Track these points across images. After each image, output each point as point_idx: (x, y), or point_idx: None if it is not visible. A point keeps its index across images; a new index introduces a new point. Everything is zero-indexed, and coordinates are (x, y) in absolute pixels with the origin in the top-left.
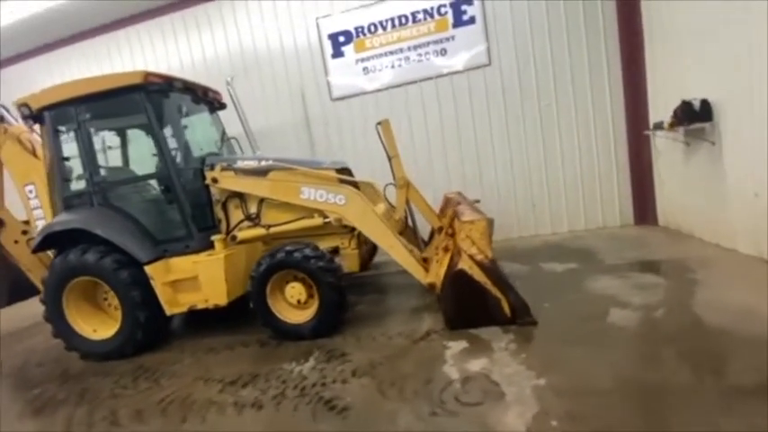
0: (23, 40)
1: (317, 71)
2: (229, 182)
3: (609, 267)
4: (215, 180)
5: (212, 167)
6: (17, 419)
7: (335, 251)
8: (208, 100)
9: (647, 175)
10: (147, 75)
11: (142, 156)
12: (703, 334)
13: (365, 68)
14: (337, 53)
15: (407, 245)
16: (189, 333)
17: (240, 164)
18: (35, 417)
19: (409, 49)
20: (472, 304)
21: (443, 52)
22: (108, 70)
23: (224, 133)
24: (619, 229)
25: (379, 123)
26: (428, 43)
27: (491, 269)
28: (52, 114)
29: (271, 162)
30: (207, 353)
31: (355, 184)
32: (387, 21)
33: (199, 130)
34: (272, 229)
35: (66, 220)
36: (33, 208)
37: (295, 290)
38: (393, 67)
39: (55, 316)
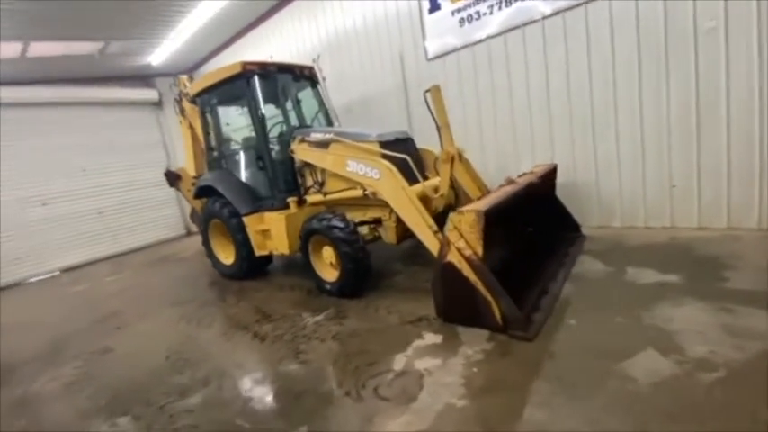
0: (215, 36)
1: (415, 31)
2: (302, 153)
3: (721, 292)
4: (293, 151)
5: (293, 140)
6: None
7: (378, 221)
8: (307, 76)
9: None
10: (244, 64)
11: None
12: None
13: (461, 20)
14: (434, 6)
15: (433, 226)
16: (282, 271)
17: (312, 136)
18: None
19: None
20: (462, 301)
21: None
22: (269, 52)
23: (322, 105)
24: None
25: (427, 91)
26: None
27: (479, 267)
28: (198, 100)
29: (332, 135)
30: (274, 289)
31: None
32: None
33: (305, 105)
34: (329, 197)
35: (205, 178)
36: None
37: (327, 252)
38: (491, 12)
39: (206, 244)
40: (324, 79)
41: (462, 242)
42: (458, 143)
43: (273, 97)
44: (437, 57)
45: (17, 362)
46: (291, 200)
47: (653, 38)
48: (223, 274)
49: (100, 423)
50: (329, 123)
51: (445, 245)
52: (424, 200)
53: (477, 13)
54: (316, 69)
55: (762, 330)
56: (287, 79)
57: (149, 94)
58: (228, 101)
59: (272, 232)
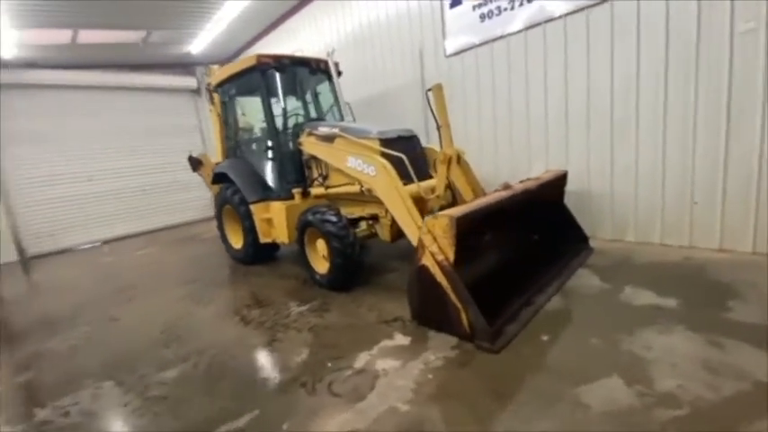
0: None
1: (436, 27)
2: (309, 146)
3: (718, 323)
4: (300, 143)
5: (302, 132)
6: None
7: (375, 218)
8: (323, 70)
9: None
10: (259, 57)
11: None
12: None
13: (482, 15)
14: (455, 1)
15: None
16: (290, 259)
17: (320, 130)
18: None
19: None
20: (434, 305)
21: None
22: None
23: (337, 99)
24: None
25: (429, 89)
26: None
27: (450, 273)
28: (219, 90)
29: (337, 130)
30: (274, 277)
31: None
32: None
33: (321, 97)
34: (330, 190)
35: (221, 165)
36: None
37: (321, 245)
38: (512, 8)
39: (220, 228)
40: (339, 73)
41: (435, 246)
42: (465, 143)
43: (288, 90)
44: (456, 53)
45: (44, 320)
46: (296, 191)
47: (683, 39)
48: (233, 257)
49: (88, 384)
50: (342, 118)
51: (420, 248)
52: (419, 200)
53: (499, 8)
54: (330, 63)
55: (745, 370)
56: (303, 72)
57: (188, 82)
58: (245, 92)
59: (275, 221)
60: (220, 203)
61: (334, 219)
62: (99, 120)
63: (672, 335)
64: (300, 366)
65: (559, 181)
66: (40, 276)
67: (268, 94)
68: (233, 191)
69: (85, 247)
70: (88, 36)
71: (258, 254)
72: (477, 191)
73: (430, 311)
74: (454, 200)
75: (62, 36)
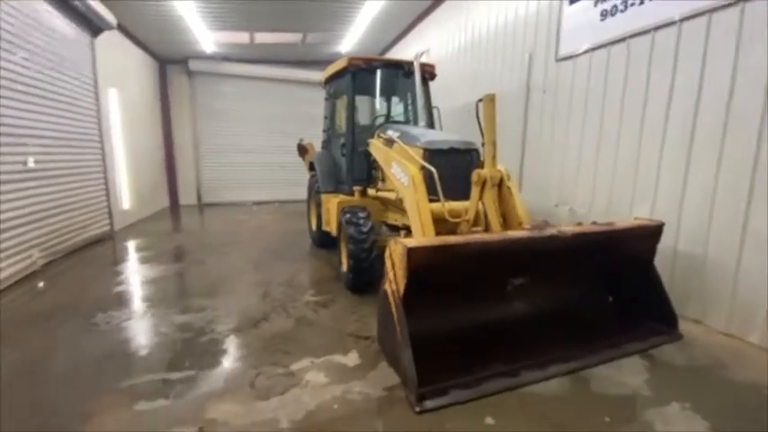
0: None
1: (551, 28)
2: (373, 147)
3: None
4: (367, 144)
5: (374, 134)
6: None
7: (408, 229)
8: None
9: None
10: (351, 59)
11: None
12: None
13: (603, 12)
14: None
15: None
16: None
17: (387, 133)
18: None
19: None
20: (388, 335)
21: None
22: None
23: (427, 103)
24: None
25: (480, 100)
26: None
27: (398, 307)
28: (325, 87)
29: (397, 134)
30: (322, 263)
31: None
32: None
33: (414, 101)
34: (379, 193)
35: (314, 155)
36: None
37: (345, 244)
38: (641, 2)
39: (307, 210)
40: (432, 77)
41: (393, 274)
42: (561, 167)
43: (374, 91)
44: (567, 57)
45: (177, 251)
46: (357, 188)
47: None
48: (311, 238)
49: (158, 304)
50: (430, 122)
51: (385, 272)
52: (441, 220)
53: (625, 3)
54: (415, 66)
55: None
56: (394, 75)
57: None
58: (339, 91)
59: (330, 213)
60: (309, 189)
61: (357, 222)
62: (263, 105)
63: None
64: (256, 351)
65: (645, 234)
66: (204, 218)
67: (353, 93)
68: (315, 179)
69: (238, 203)
70: (261, 37)
71: (322, 239)
72: (511, 223)
73: (385, 341)
74: (486, 228)
75: (243, 37)
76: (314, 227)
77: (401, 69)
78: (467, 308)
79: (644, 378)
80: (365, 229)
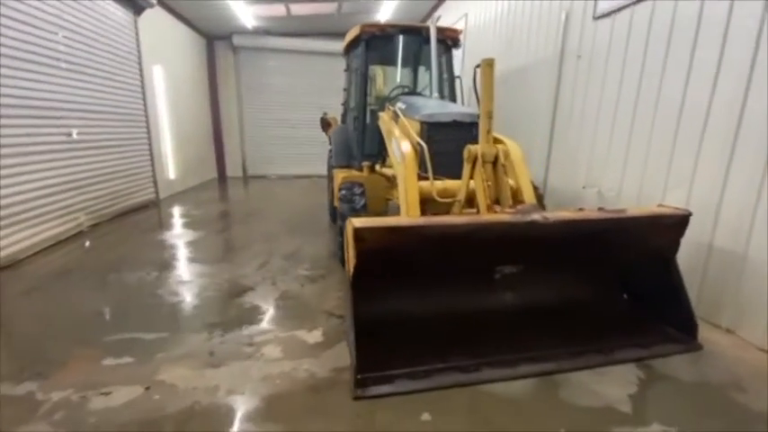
0: None
1: None
2: (382, 122)
3: None
4: (377, 118)
5: (386, 107)
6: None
7: None
8: (440, 39)
9: None
10: (363, 26)
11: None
12: None
13: None
14: None
15: None
16: None
17: (396, 106)
18: None
19: None
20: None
21: None
22: None
23: (449, 72)
24: None
25: (478, 66)
26: None
27: (349, 289)
28: (345, 58)
29: (404, 107)
30: (327, 239)
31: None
32: None
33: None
34: (383, 170)
35: (333, 128)
36: None
37: None
38: None
39: (328, 182)
40: (455, 43)
41: (347, 254)
42: (592, 142)
43: (399, 60)
44: (606, 14)
45: (204, 219)
46: (366, 164)
47: None
48: (329, 214)
49: (164, 268)
50: (452, 94)
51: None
52: (429, 200)
53: None
54: (431, 30)
55: None
56: (416, 42)
57: None
58: (356, 62)
59: (336, 188)
60: (328, 161)
61: (352, 198)
62: (303, 78)
63: None
64: (232, 318)
65: (666, 225)
66: (241, 190)
67: (365, 63)
68: (330, 154)
69: (281, 176)
70: (297, 9)
71: (334, 214)
72: (502, 206)
73: (345, 322)
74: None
75: (279, 9)
76: (329, 202)
77: (422, 36)
78: (434, 295)
79: (629, 391)
80: (357, 206)
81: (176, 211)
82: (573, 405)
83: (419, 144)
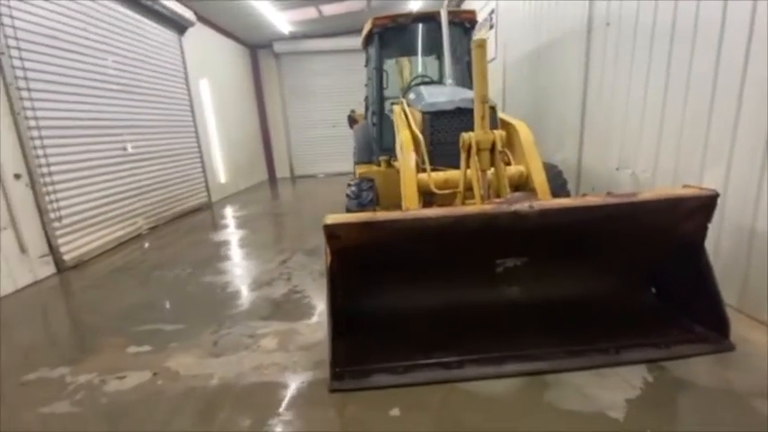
0: None
1: None
2: (395, 114)
3: None
4: (391, 111)
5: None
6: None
7: None
8: (456, 23)
9: None
10: (375, 19)
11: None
12: None
13: None
14: None
15: None
16: None
17: (408, 97)
18: None
19: None
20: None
21: None
22: None
23: (462, 57)
24: None
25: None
26: None
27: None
28: (364, 52)
29: (414, 97)
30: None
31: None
32: None
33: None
34: (395, 164)
35: (356, 126)
36: None
37: None
38: None
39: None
40: (471, 24)
41: (326, 249)
42: (623, 123)
43: (419, 50)
44: None
45: (245, 220)
46: (383, 159)
47: None
48: None
49: (197, 266)
50: (468, 79)
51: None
52: (428, 193)
53: None
54: (442, 15)
55: None
56: (432, 29)
57: None
58: (372, 56)
59: None
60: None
61: (353, 192)
62: (340, 78)
63: None
64: (243, 312)
65: (688, 209)
66: (286, 190)
67: (379, 56)
68: (353, 150)
69: (326, 175)
70: (328, 9)
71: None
72: (501, 192)
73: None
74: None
75: (311, 12)
76: None
77: (438, 21)
78: (420, 290)
79: (629, 395)
80: (364, 202)
81: (224, 212)
82: (555, 408)
83: (424, 133)
